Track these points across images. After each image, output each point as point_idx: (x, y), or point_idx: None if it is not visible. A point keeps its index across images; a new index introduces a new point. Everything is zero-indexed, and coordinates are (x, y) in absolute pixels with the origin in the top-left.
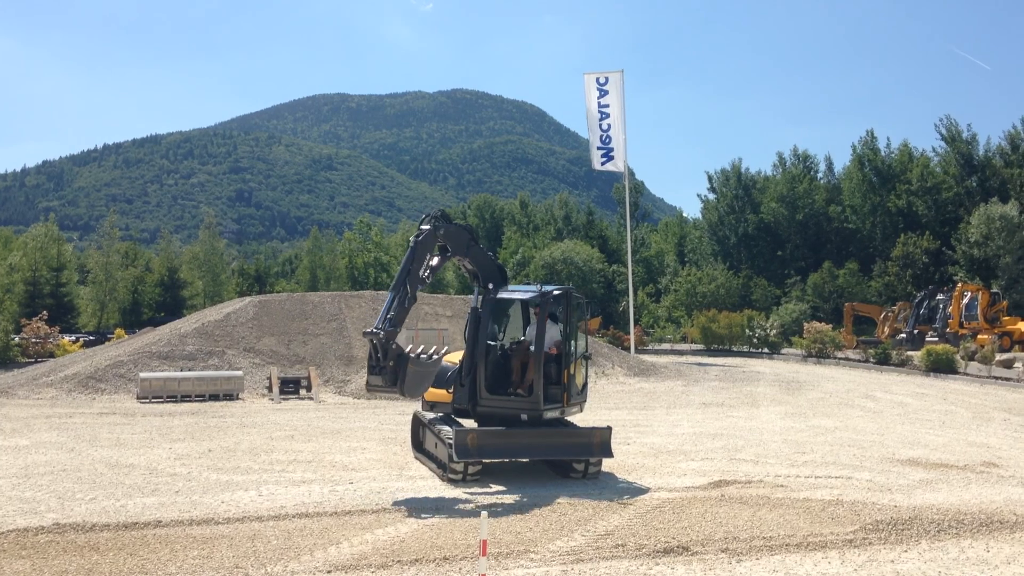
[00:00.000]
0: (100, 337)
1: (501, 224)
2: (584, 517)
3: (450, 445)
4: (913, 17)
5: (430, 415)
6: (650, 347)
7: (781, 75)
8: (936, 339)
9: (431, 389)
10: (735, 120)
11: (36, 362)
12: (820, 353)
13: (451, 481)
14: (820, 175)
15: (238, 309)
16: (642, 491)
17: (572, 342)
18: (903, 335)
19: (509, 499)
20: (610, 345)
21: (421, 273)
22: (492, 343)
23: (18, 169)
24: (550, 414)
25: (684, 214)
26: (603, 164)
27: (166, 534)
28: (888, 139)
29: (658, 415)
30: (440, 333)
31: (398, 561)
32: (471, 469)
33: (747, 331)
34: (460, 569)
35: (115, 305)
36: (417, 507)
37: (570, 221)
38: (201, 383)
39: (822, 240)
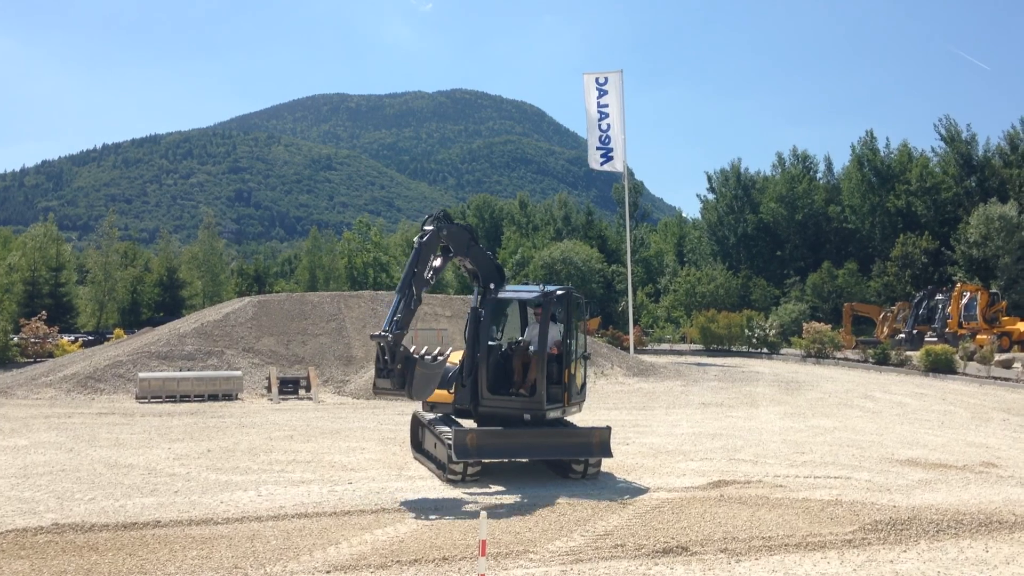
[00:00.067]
0: (99, 337)
1: (500, 224)
2: (583, 517)
3: (449, 445)
4: (913, 17)
5: (429, 415)
6: (649, 347)
7: (781, 75)
8: (935, 339)
9: None
10: (734, 120)
11: (35, 362)
12: (819, 353)
13: (450, 481)
14: (819, 175)
15: (237, 309)
16: (641, 491)
17: (572, 342)
18: (902, 335)
19: (508, 499)
20: (609, 345)
21: (425, 274)
22: (493, 343)
23: (17, 169)
24: (553, 414)
25: (683, 214)
26: (602, 164)
27: (165, 534)
28: (887, 139)
29: (657, 415)
30: (439, 333)
31: (397, 561)
32: (470, 469)
33: (746, 331)
34: (459, 569)
35: (114, 305)
36: (416, 507)
37: (569, 221)
38: (200, 383)
39: (821, 240)
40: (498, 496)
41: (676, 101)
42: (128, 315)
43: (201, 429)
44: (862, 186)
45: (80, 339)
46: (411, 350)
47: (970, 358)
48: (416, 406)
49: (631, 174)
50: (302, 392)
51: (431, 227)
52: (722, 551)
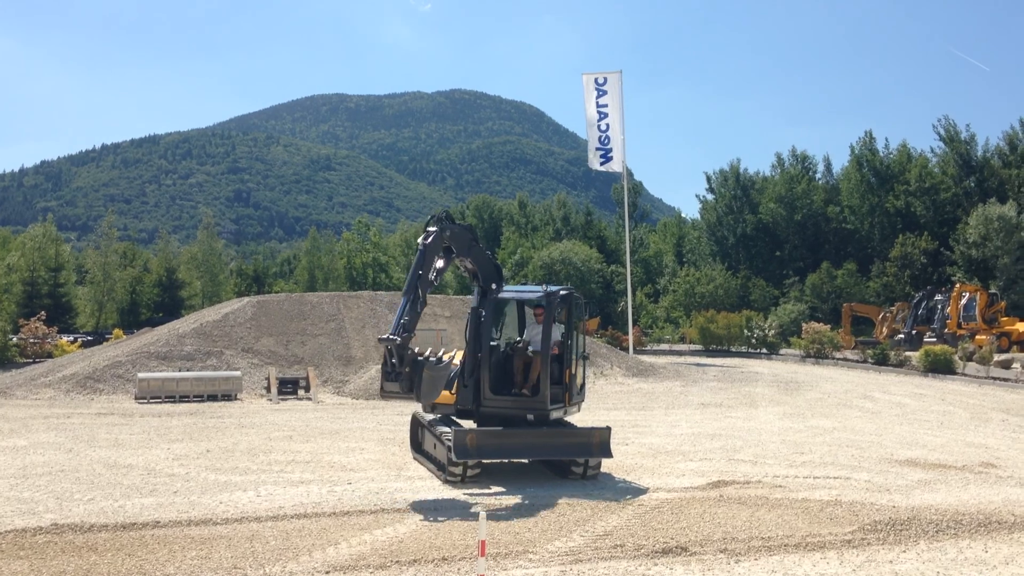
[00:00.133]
0: (98, 337)
1: (500, 224)
2: (583, 518)
3: (449, 446)
4: (912, 17)
5: (429, 416)
6: (648, 347)
7: (780, 75)
8: (934, 340)
9: None
10: (734, 120)
11: (34, 362)
12: (818, 353)
13: (450, 482)
14: (819, 175)
15: (236, 309)
16: (640, 491)
17: (572, 342)
18: (901, 336)
19: (508, 500)
20: (608, 345)
21: (429, 276)
22: (494, 343)
23: (16, 169)
24: (556, 414)
25: (683, 214)
26: (601, 164)
27: (164, 535)
28: (886, 140)
29: (656, 415)
30: (439, 333)
31: (396, 562)
32: (470, 470)
33: (745, 331)
34: (459, 570)
35: (113, 305)
36: (416, 507)
37: (568, 221)
38: (199, 383)
39: (820, 240)
40: (497, 496)
41: (675, 101)
42: (127, 315)
43: (200, 429)
44: (861, 186)
45: (79, 339)
46: (416, 352)
47: (969, 358)
48: (415, 406)
49: (630, 174)
50: (301, 392)
51: (434, 228)
52: (721, 551)
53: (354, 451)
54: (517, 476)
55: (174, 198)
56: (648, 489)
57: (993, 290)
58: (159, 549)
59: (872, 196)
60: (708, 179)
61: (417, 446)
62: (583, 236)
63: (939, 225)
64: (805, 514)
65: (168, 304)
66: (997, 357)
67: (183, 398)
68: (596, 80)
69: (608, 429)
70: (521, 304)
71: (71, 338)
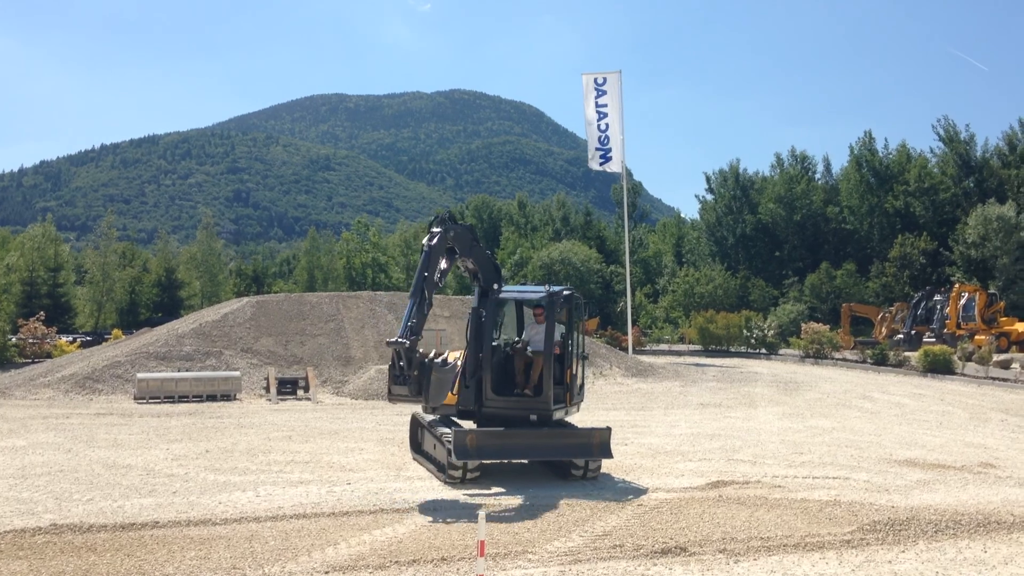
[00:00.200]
0: (97, 337)
1: (499, 224)
2: (582, 518)
3: (449, 447)
4: (912, 17)
5: (429, 416)
6: (648, 348)
7: (780, 75)
8: (933, 340)
9: None
10: (733, 120)
11: (33, 362)
12: (818, 354)
13: (450, 482)
14: (818, 176)
15: (236, 310)
16: (640, 492)
17: (572, 342)
18: (900, 336)
19: (507, 500)
20: (608, 346)
21: (435, 277)
22: (495, 343)
23: (15, 169)
24: (558, 414)
25: (682, 215)
26: (601, 164)
27: (163, 535)
28: (886, 140)
29: (656, 416)
30: (438, 334)
31: (396, 562)
32: (470, 472)
33: (745, 332)
34: (458, 570)
35: (112, 305)
36: (415, 508)
37: (568, 222)
38: (198, 384)
39: (820, 241)
40: (497, 497)
41: (675, 101)
42: (126, 315)
43: (199, 430)
44: (860, 187)
45: (78, 339)
46: (423, 355)
47: (968, 359)
48: (416, 407)
49: (630, 174)
50: (300, 393)
51: (439, 229)
52: (720, 551)
53: (353, 451)
54: (517, 476)
55: (173, 198)
56: (647, 489)
57: (992, 290)
58: (158, 549)
59: (871, 196)
60: (707, 179)
61: (417, 447)
62: (582, 236)
63: (938, 225)
64: (804, 514)
65: (167, 304)
66: (996, 357)
67: (182, 398)
68: (595, 80)
69: (608, 430)
70: (520, 304)
71: (70, 338)
